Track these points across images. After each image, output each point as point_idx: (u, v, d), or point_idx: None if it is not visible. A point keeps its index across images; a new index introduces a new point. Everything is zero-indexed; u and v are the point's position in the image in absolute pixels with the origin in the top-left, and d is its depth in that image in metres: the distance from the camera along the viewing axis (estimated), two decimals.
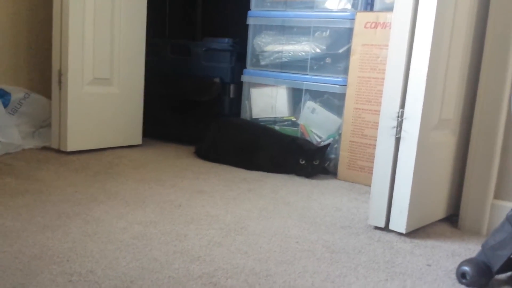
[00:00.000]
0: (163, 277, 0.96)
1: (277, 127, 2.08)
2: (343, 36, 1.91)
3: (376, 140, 1.32)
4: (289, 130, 2.05)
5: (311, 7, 1.99)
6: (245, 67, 2.18)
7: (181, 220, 1.29)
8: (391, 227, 1.30)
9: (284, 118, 2.08)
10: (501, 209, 1.33)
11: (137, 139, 2.18)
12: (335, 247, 1.18)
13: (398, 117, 1.27)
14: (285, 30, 2.06)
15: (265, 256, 1.10)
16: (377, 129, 1.33)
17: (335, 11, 1.93)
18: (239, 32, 2.21)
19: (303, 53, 2.01)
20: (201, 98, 2.26)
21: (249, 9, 2.14)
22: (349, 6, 1.90)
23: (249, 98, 2.17)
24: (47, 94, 2.05)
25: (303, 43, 2.01)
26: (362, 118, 1.82)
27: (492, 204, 1.36)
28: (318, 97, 1.98)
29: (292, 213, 1.42)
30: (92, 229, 1.18)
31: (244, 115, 2.19)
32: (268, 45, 2.11)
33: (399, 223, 1.29)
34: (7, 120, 1.94)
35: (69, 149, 1.93)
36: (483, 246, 1.03)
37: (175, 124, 2.34)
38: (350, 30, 1.85)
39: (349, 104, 1.85)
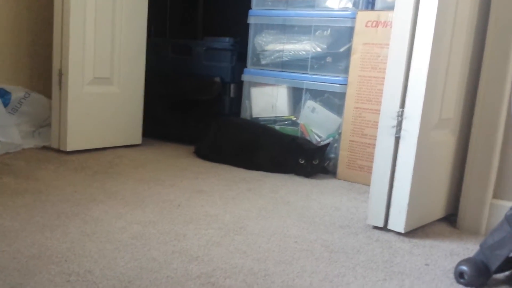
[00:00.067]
0: (162, 277, 0.96)
1: (277, 127, 2.08)
2: (344, 35, 1.91)
3: (376, 139, 1.32)
4: (289, 130, 2.05)
5: (312, 6, 1.99)
6: (245, 66, 2.17)
7: (180, 219, 1.29)
8: (389, 226, 1.30)
9: (284, 117, 2.08)
10: (500, 209, 1.33)
11: (137, 138, 2.19)
12: (333, 247, 1.18)
13: (398, 116, 1.27)
14: (286, 29, 2.06)
15: (263, 255, 1.10)
16: (377, 128, 1.33)
17: (336, 10, 1.93)
18: (239, 32, 2.21)
19: (304, 52, 2.01)
20: (201, 97, 2.26)
21: (250, 8, 2.14)
22: (350, 5, 1.90)
23: (249, 98, 2.17)
24: (47, 93, 2.06)
25: (304, 42, 2.01)
26: (362, 118, 1.82)
27: (491, 203, 1.35)
28: (319, 96, 1.98)
29: (291, 212, 1.42)
30: (91, 229, 1.18)
31: (244, 114, 2.18)
32: (268, 44, 2.11)
33: (398, 222, 1.28)
34: (7, 119, 1.94)
35: (69, 148, 1.93)
36: (481, 246, 1.03)
37: (175, 124, 2.34)
38: (351, 29, 1.85)
39: (350, 103, 1.84)
